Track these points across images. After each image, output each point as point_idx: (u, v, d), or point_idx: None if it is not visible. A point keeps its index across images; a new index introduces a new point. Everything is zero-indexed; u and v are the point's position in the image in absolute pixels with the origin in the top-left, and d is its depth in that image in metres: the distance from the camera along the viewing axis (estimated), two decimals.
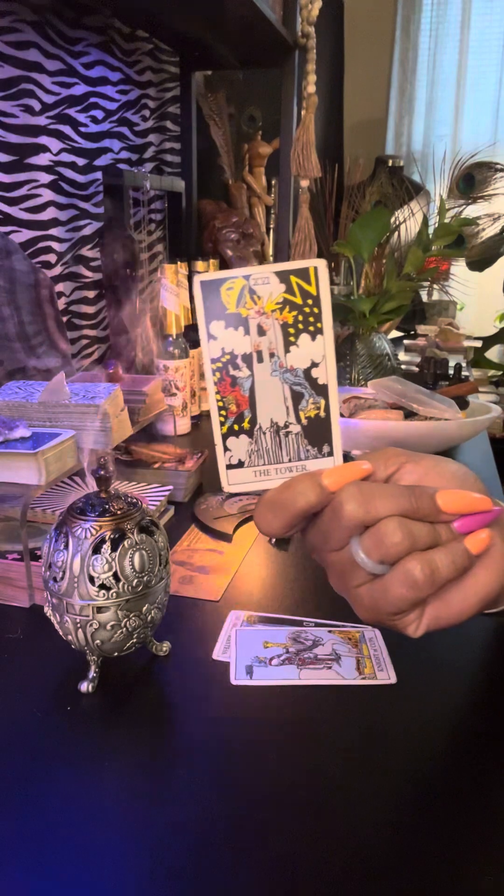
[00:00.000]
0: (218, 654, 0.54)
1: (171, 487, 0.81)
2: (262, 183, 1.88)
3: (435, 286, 2.12)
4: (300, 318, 0.37)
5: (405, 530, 0.34)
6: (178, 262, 1.11)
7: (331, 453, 0.38)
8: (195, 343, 1.21)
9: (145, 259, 1.49)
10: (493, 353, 2.61)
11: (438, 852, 0.37)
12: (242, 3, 1.21)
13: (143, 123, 1.45)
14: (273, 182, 1.88)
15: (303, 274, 0.36)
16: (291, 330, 0.37)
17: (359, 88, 3.15)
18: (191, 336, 1.20)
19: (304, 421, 0.38)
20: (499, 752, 0.45)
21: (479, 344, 2.38)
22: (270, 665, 0.53)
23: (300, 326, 0.37)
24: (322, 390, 0.38)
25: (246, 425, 0.38)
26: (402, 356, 1.80)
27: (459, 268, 2.03)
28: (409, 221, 1.50)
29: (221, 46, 1.48)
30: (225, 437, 0.38)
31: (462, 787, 0.42)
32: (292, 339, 0.37)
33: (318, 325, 0.37)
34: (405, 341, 2.07)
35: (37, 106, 1.06)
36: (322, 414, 0.38)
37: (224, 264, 1.57)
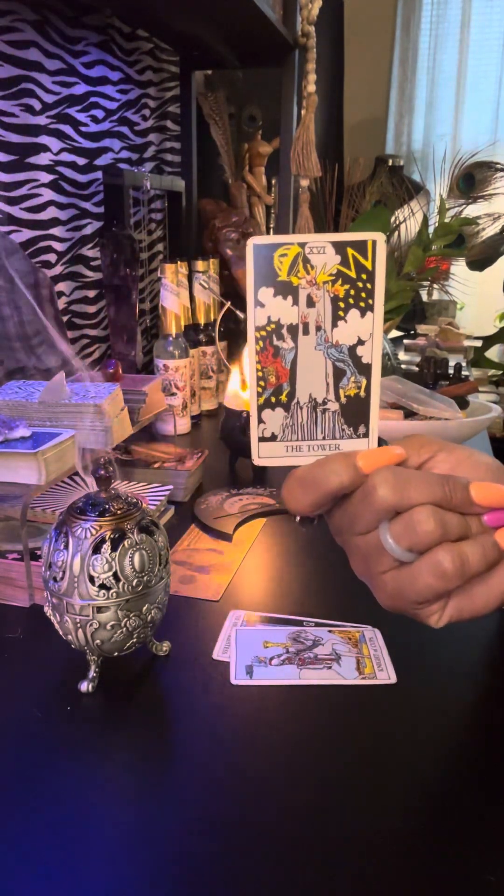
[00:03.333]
0: (218, 654, 0.54)
1: (171, 487, 0.81)
2: (262, 182, 1.87)
3: (435, 286, 2.12)
4: (352, 292, 0.36)
5: (437, 519, 0.34)
6: (178, 262, 1.11)
7: (366, 434, 0.37)
8: (195, 343, 1.21)
9: (145, 259, 1.49)
10: (493, 353, 2.60)
11: (439, 852, 0.37)
12: (242, 3, 1.21)
13: (143, 123, 1.45)
14: (273, 181, 1.88)
15: (360, 247, 0.35)
16: (342, 304, 0.36)
17: (359, 88, 3.14)
18: (191, 336, 1.20)
19: (344, 399, 0.37)
20: (500, 751, 0.45)
21: (479, 343, 2.38)
22: (270, 665, 0.53)
23: (351, 301, 0.36)
24: (365, 369, 0.37)
25: (283, 398, 0.37)
26: (402, 356, 1.80)
27: (459, 267, 2.03)
28: (409, 221, 1.51)
29: (221, 46, 1.48)
30: (261, 408, 0.37)
31: (463, 787, 0.42)
32: (341, 313, 0.36)
33: (370, 301, 0.36)
34: (405, 341, 2.07)
35: (37, 105, 1.06)
36: (362, 394, 0.37)
37: (224, 264, 1.57)
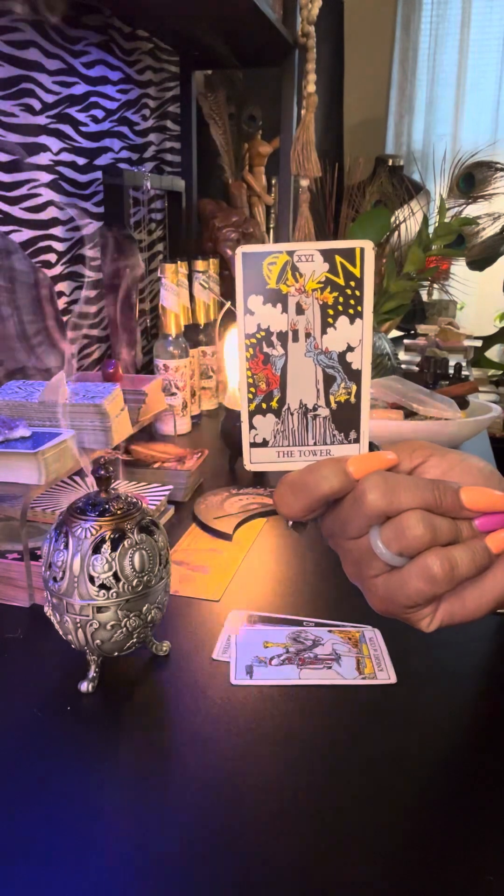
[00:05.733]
0: (218, 654, 0.54)
1: (171, 487, 0.81)
2: (262, 182, 1.87)
3: (435, 285, 2.12)
4: (341, 299, 0.36)
5: (427, 524, 0.34)
6: (178, 262, 1.11)
7: (357, 440, 0.38)
8: (195, 343, 1.21)
9: (145, 259, 1.49)
10: (493, 353, 2.60)
11: (439, 852, 0.37)
12: (242, 3, 1.21)
13: (143, 123, 1.45)
14: (273, 181, 1.88)
15: (348, 254, 0.36)
16: (331, 311, 0.36)
17: (359, 88, 3.14)
18: (191, 336, 1.20)
19: (334, 405, 0.37)
20: (499, 751, 0.45)
21: (479, 343, 2.37)
22: (270, 665, 0.53)
23: (340, 308, 0.36)
24: (355, 375, 0.37)
25: (274, 405, 0.37)
26: (402, 356, 1.80)
27: (459, 267, 2.03)
28: (409, 221, 1.51)
29: (221, 46, 1.48)
30: (252, 414, 0.37)
31: (463, 787, 0.42)
32: (330, 320, 0.36)
33: (359, 308, 0.36)
34: (405, 341, 2.07)
35: (37, 105, 1.06)
36: (353, 400, 0.37)
37: (224, 264, 1.57)
